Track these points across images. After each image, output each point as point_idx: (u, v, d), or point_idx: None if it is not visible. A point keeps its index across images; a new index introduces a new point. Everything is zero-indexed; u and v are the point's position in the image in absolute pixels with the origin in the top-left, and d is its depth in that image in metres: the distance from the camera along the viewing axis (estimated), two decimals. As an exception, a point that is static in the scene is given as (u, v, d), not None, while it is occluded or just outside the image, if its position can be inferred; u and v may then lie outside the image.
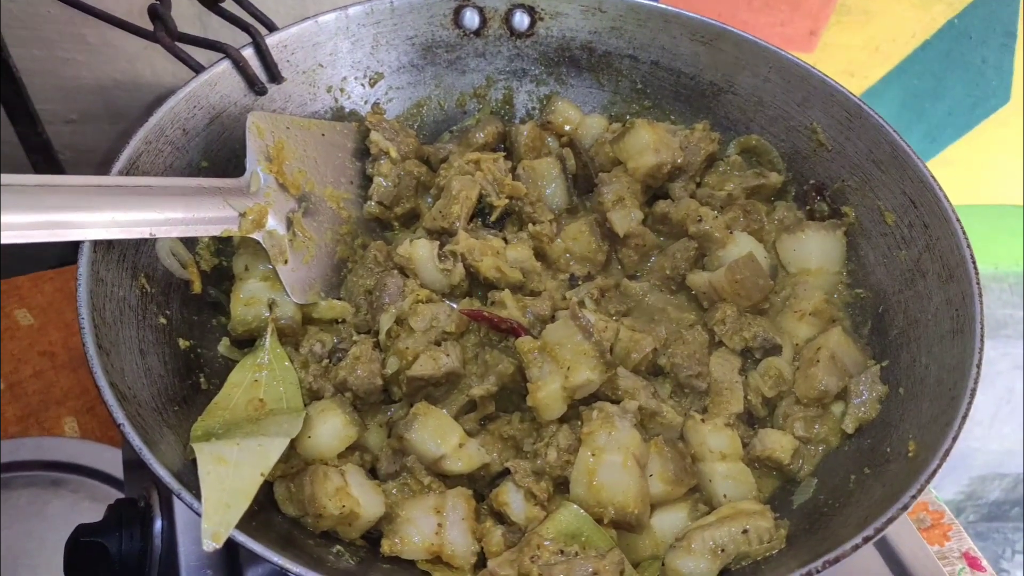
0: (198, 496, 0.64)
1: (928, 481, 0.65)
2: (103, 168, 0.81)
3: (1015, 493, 2.53)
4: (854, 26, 1.69)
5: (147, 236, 0.76)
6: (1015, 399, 2.32)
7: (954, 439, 0.68)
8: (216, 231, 0.82)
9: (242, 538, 0.62)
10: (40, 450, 1.28)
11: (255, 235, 0.85)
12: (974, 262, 0.80)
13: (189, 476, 0.67)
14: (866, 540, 0.63)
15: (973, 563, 1.32)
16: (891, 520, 0.64)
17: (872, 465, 0.78)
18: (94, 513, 1.02)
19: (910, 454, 0.73)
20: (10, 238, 0.66)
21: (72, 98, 1.36)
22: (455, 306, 0.90)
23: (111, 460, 1.28)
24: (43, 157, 1.41)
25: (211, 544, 0.59)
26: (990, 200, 2.04)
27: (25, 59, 1.29)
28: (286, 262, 0.88)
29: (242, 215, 0.84)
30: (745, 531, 0.73)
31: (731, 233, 0.95)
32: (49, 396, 1.33)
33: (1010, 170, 1.96)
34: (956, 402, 0.71)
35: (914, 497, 0.65)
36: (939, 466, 0.66)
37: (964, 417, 0.69)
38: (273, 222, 0.87)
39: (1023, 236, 2.07)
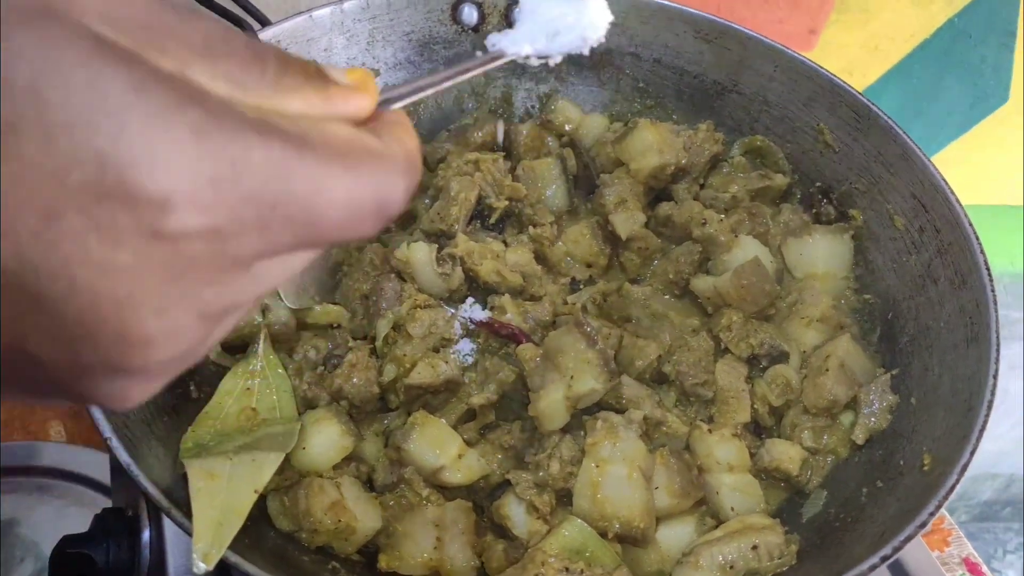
0: (188, 513, 0.61)
1: (947, 497, 0.63)
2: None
3: (1007, 493, 2.53)
4: (853, 24, 1.68)
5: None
6: (1009, 400, 2.31)
7: (972, 453, 0.66)
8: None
9: (235, 559, 0.59)
10: (25, 455, 1.25)
11: (247, 237, 0.83)
12: (988, 268, 0.78)
13: (179, 491, 0.64)
14: (883, 560, 0.61)
15: (973, 569, 1.30)
16: (909, 538, 0.62)
17: (885, 478, 0.76)
18: (80, 519, 0.99)
19: (925, 467, 0.71)
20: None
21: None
22: (453, 311, 0.87)
23: (98, 465, 1.25)
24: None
25: (202, 566, 0.57)
26: (988, 200, 2.03)
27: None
28: (279, 265, 0.85)
29: (234, 217, 0.81)
30: (755, 547, 0.71)
31: (736, 237, 0.93)
32: (34, 399, 1.30)
33: (1008, 170, 1.95)
34: (973, 414, 0.69)
35: (932, 514, 0.63)
36: (957, 481, 0.64)
37: (982, 430, 0.67)
38: (266, 224, 0.85)
39: (1021, 237, 2.06)
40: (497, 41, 0.46)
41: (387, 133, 0.33)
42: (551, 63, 0.48)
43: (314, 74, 0.31)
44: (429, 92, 0.40)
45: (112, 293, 0.26)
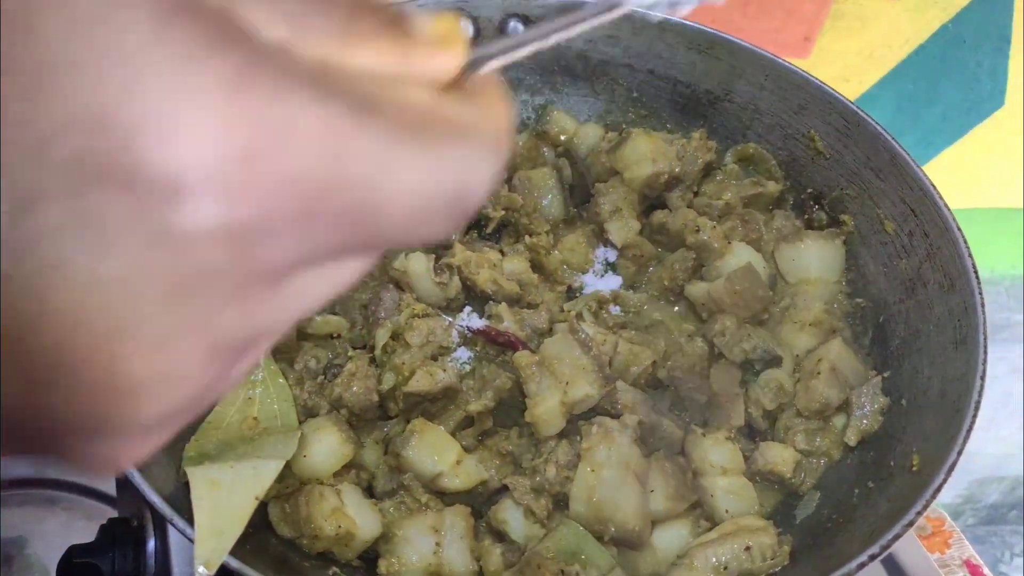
0: (191, 520, 0.63)
1: (934, 496, 0.64)
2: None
3: (1013, 496, 2.52)
4: (848, 32, 1.69)
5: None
6: (1012, 402, 2.31)
7: (959, 453, 0.67)
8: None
9: (236, 564, 0.60)
10: (35, 467, 1.27)
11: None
12: (976, 272, 0.79)
13: (182, 499, 0.66)
14: (872, 558, 0.62)
15: (974, 571, 1.31)
16: (897, 537, 0.63)
17: (876, 479, 0.77)
18: (88, 531, 1.00)
19: (914, 468, 0.72)
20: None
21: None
22: (450, 320, 0.89)
23: (103, 477, 1.26)
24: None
25: (204, 572, 0.58)
26: (985, 204, 2.03)
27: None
28: (280, 277, 0.86)
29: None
30: (748, 548, 0.72)
31: (729, 243, 0.94)
32: (41, 412, 1.32)
33: (1005, 174, 1.96)
34: (960, 415, 0.70)
35: (919, 513, 0.64)
36: (944, 480, 0.65)
37: (969, 430, 0.68)
38: (266, 237, 0.86)
39: (1021, 239, 2.06)
40: None
41: (474, 101, 0.26)
42: (680, 13, 0.39)
43: (391, 21, 0.24)
44: (529, 50, 0.31)
45: (97, 319, 0.18)
